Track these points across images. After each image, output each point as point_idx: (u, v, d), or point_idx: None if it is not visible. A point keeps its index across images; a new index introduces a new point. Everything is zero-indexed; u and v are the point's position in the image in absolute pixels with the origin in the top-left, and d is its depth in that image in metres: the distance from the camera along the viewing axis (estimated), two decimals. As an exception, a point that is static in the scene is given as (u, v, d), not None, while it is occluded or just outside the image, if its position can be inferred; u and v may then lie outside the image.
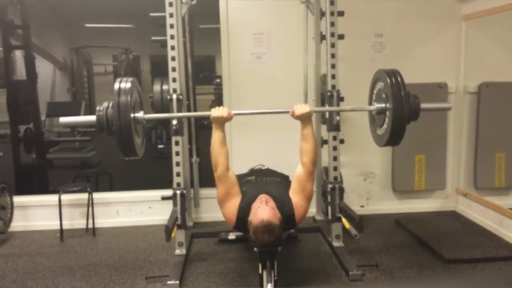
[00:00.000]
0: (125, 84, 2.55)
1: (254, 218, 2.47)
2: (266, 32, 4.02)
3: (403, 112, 2.54)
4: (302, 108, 2.67)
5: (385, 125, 2.70)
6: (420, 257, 3.30)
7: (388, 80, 2.59)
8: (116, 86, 2.54)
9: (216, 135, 2.67)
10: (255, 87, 4.08)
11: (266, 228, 2.42)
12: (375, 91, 2.82)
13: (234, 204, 2.65)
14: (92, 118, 2.57)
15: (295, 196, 2.68)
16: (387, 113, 2.65)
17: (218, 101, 5.67)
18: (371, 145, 4.18)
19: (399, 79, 2.58)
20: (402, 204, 4.31)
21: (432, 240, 3.48)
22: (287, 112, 2.74)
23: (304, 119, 2.69)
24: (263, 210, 2.47)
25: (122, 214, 4.14)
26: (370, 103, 2.87)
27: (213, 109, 2.66)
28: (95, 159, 6.68)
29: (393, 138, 2.65)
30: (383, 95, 2.68)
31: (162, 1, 3.17)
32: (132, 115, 2.52)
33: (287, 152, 3.83)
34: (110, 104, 2.51)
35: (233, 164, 4.01)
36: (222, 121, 2.67)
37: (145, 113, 2.70)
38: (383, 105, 2.67)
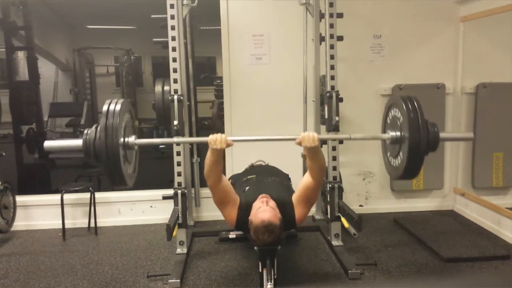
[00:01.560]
0: (115, 105, 2.26)
1: (255, 218, 2.48)
2: (266, 34, 4.06)
3: (420, 142, 2.29)
4: (309, 141, 2.44)
5: (400, 156, 2.44)
6: (418, 256, 3.32)
7: (404, 107, 2.35)
8: (105, 107, 2.25)
9: (211, 158, 2.50)
10: (255, 88, 4.11)
11: (266, 229, 2.43)
12: (389, 118, 2.58)
13: (232, 208, 2.66)
14: (78, 142, 2.28)
15: (299, 204, 2.67)
16: (403, 143, 2.39)
17: (218, 102, 5.69)
18: (370, 145, 4.26)
19: (416, 105, 2.35)
20: (401, 204, 4.35)
21: (430, 239, 3.51)
22: (293, 139, 2.53)
23: (311, 148, 2.49)
24: (264, 211, 2.48)
25: (124, 213, 4.17)
26: (384, 131, 2.62)
27: (211, 136, 2.45)
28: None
29: (410, 171, 2.40)
30: (398, 123, 2.44)
31: (164, 3, 3.20)
32: (122, 140, 2.26)
33: (287, 151, 3.89)
34: (98, 128, 2.23)
35: (233, 163, 4.08)
36: (219, 150, 2.46)
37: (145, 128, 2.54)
38: (398, 133, 2.42)
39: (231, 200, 2.66)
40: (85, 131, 2.26)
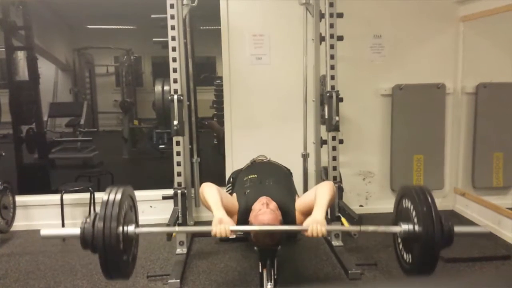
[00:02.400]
0: (115, 195, 2.17)
1: (255, 221, 2.46)
2: (266, 34, 4.06)
3: (435, 239, 2.16)
4: (317, 234, 2.35)
5: (413, 252, 2.31)
6: (418, 256, 3.32)
7: (417, 200, 2.25)
8: (105, 197, 2.16)
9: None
10: (255, 88, 4.11)
11: (267, 232, 2.42)
12: (400, 209, 2.45)
13: (231, 215, 2.64)
14: (76, 231, 2.17)
15: (301, 214, 2.65)
16: (416, 238, 2.26)
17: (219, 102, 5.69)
18: (370, 145, 4.26)
19: (429, 199, 2.24)
20: (401, 204, 4.33)
21: (430, 239, 3.50)
22: (298, 230, 2.52)
23: None
24: (264, 213, 2.46)
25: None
26: (395, 222, 2.46)
27: (214, 224, 2.37)
28: (97, 159, 6.71)
29: (425, 268, 2.24)
30: (410, 216, 2.32)
31: (164, 3, 3.20)
32: (120, 229, 2.15)
33: (288, 150, 3.89)
34: (97, 217, 2.12)
35: (234, 161, 4.07)
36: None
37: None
38: (411, 227, 2.28)
39: (229, 209, 2.65)
40: (83, 220, 2.17)
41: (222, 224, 2.35)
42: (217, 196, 2.54)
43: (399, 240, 2.43)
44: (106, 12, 7.70)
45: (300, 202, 2.69)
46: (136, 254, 2.41)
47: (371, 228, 2.45)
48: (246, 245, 3.41)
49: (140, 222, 4.05)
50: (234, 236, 3.57)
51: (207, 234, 2.39)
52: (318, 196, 2.55)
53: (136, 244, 2.39)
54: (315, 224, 2.34)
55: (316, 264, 3.22)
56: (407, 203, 2.35)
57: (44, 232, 2.26)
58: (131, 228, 2.23)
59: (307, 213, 2.64)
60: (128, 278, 2.28)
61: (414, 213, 2.27)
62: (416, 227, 2.23)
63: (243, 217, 2.62)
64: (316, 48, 3.64)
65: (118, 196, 2.16)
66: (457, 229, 2.22)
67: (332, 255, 3.34)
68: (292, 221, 2.63)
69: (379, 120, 4.23)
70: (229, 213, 2.64)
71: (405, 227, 2.30)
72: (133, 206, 2.39)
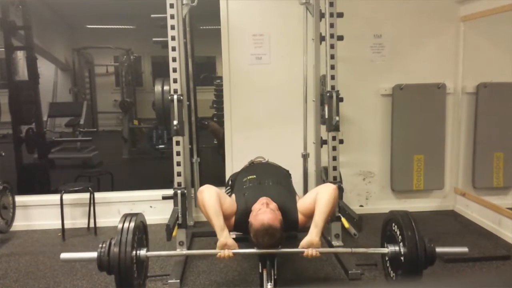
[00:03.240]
0: (129, 223, 2.48)
1: (255, 221, 2.46)
2: (266, 33, 4.05)
3: (418, 259, 2.44)
4: (311, 252, 2.54)
5: (399, 270, 2.59)
6: (419, 256, 3.32)
7: (402, 223, 2.52)
8: (120, 225, 2.47)
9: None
10: (255, 88, 4.10)
11: (266, 232, 2.42)
12: (388, 232, 2.73)
13: (229, 216, 2.68)
14: (93, 255, 2.47)
15: (303, 217, 2.68)
16: (402, 258, 2.53)
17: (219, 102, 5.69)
18: (370, 145, 4.26)
19: (412, 223, 2.51)
20: (401, 204, 4.33)
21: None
22: (299, 252, 2.59)
23: None
24: (264, 213, 2.46)
25: (124, 213, 4.15)
26: (383, 245, 2.75)
27: (219, 247, 2.54)
28: (97, 159, 6.71)
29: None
30: (397, 238, 2.59)
31: (163, 2, 3.20)
32: (133, 253, 2.44)
33: (287, 150, 3.89)
34: (113, 242, 2.43)
35: (233, 162, 4.07)
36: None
37: None
38: (397, 248, 2.56)
39: (228, 212, 2.67)
40: (100, 245, 2.47)
41: (227, 250, 2.52)
42: (217, 206, 2.58)
43: (387, 259, 2.72)
44: (105, 12, 7.69)
45: (301, 204, 2.70)
46: (147, 274, 2.71)
47: (361, 250, 2.88)
48: (246, 245, 3.40)
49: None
50: (234, 236, 3.58)
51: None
52: (318, 207, 2.60)
53: (146, 265, 2.69)
54: (310, 250, 2.53)
55: (316, 264, 3.21)
56: (394, 227, 2.63)
57: (64, 256, 2.61)
58: (143, 252, 2.55)
59: (308, 214, 2.65)
60: None
61: (400, 237, 2.55)
62: (402, 249, 2.51)
63: (241, 218, 2.62)
64: (316, 48, 3.63)
65: (132, 224, 2.47)
66: (439, 250, 2.51)
67: (332, 255, 3.33)
68: (294, 221, 2.64)
69: (379, 120, 4.23)
70: (228, 215, 2.64)
71: (392, 248, 2.59)
72: (144, 232, 2.67)
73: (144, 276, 2.63)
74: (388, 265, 2.73)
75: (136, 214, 2.56)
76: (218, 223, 2.55)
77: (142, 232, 2.62)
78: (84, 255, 2.60)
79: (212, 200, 2.58)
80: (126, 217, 2.52)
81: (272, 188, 2.79)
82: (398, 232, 2.58)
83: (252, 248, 2.58)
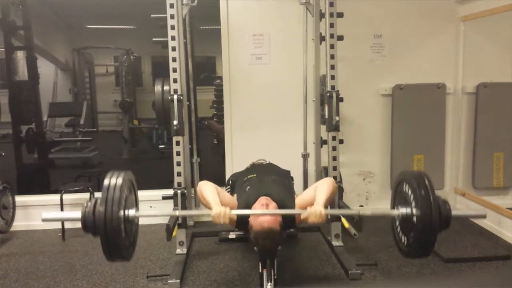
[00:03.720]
0: (116, 179, 2.21)
1: (255, 223, 2.46)
2: (266, 33, 4.05)
3: (432, 222, 2.21)
4: (316, 217, 2.41)
5: (411, 234, 2.34)
6: (419, 256, 3.32)
7: (415, 183, 2.28)
8: (106, 181, 2.20)
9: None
10: (255, 88, 4.10)
11: (267, 235, 2.42)
12: (398, 193, 2.48)
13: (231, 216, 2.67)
14: (77, 215, 2.20)
15: (300, 209, 2.64)
16: (414, 221, 2.29)
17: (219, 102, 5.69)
18: (370, 145, 4.26)
19: (427, 183, 2.27)
20: (401, 204, 4.33)
21: (430, 239, 3.50)
22: (298, 214, 2.52)
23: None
24: (264, 216, 2.45)
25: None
26: (394, 206, 2.51)
27: (214, 211, 2.42)
28: (97, 159, 6.71)
29: (421, 251, 2.32)
30: (408, 199, 2.35)
31: (163, 2, 3.20)
32: (122, 213, 2.19)
33: (288, 150, 3.89)
34: (98, 201, 2.16)
35: (233, 162, 4.07)
36: (219, 223, 2.46)
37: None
38: (408, 210, 2.32)
39: (228, 206, 2.64)
40: (85, 204, 2.20)
41: (222, 208, 2.41)
42: (215, 192, 2.57)
43: (397, 223, 2.47)
44: (105, 12, 7.69)
45: (300, 199, 2.69)
46: (137, 237, 2.45)
47: (368, 211, 2.59)
48: (246, 245, 3.41)
49: (140, 222, 4.07)
50: (234, 236, 3.59)
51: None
52: (318, 192, 2.57)
53: (136, 227, 2.44)
54: (313, 208, 2.41)
55: (316, 264, 3.22)
56: (405, 187, 2.38)
57: (45, 215, 2.28)
58: (132, 212, 2.28)
59: (308, 205, 2.63)
60: (129, 260, 2.31)
61: (412, 197, 2.30)
62: (414, 211, 2.27)
63: (242, 215, 2.61)
64: (316, 48, 3.64)
65: (119, 181, 2.20)
66: (455, 212, 2.30)
67: (332, 255, 3.34)
68: (291, 219, 2.63)
69: (379, 120, 4.23)
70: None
71: (403, 210, 2.34)
72: (133, 191, 2.42)
73: (133, 240, 2.41)
74: (399, 230, 2.48)
75: (123, 171, 2.30)
76: (214, 199, 2.50)
77: (131, 191, 2.38)
78: (67, 214, 2.37)
79: (210, 188, 2.60)
80: (113, 173, 2.24)
81: (272, 185, 2.79)
82: (410, 193, 2.33)
83: (253, 247, 2.58)
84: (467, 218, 2.53)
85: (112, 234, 2.12)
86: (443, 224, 2.26)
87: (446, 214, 2.25)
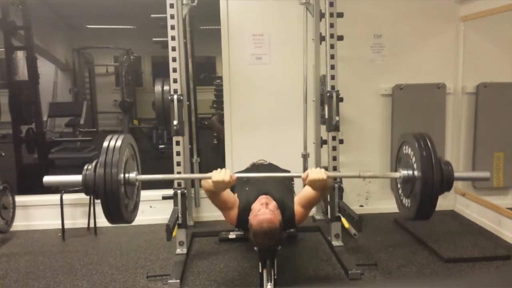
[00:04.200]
0: (115, 142, 2.22)
1: (254, 222, 2.45)
2: (266, 33, 4.05)
3: (433, 182, 2.18)
4: (317, 173, 2.35)
5: (412, 196, 2.34)
6: (419, 256, 3.32)
7: (416, 145, 2.27)
8: (105, 144, 2.22)
9: (213, 193, 2.49)
10: (255, 88, 4.10)
11: (265, 234, 2.41)
12: (400, 156, 2.49)
13: (232, 211, 2.66)
14: (78, 178, 2.23)
15: (300, 207, 2.65)
16: (415, 182, 2.29)
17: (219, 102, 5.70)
18: (370, 145, 4.26)
19: (429, 144, 2.26)
20: (401, 204, 4.34)
21: (430, 239, 3.50)
22: (299, 176, 2.45)
23: (318, 187, 2.44)
24: (263, 215, 2.45)
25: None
26: (396, 169, 2.51)
27: (214, 172, 2.37)
28: (97, 159, 6.70)
29: (423, 212, 2.29)
30: (410, 161, 2.34)
31: (163, 2, 3.20)
32: (122, 176, 2.21)
33: (288, 151, 3.89)
34: (98, 164, 2.19)
35: (234, 162, 4.07)
36: (223, 187, 2.40)
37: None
38: (410, 172, 2.32)
39: (230, 205, 2.66)
40: (86, 167, 2.23)
41: (224, 170, 2.36)
42: None
43: (399, 186, 2.46)
44: (105, 12, 7.70)
45: (299, 196, 2.69)
46: (138, 201, 2.47)
47: (369, 173, 2.53)
48: (246, 245, 3.41)
49: (140, 222, 4.10)
50: (234, 236, 3.59)
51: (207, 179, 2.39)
52: None
53: (138, 192, 2.46)
54: (313, 168, 2.38)
55: (316, 264, 3.22)
56: (407, 150, 2.37)
57: (46, 179, 2.30)
58: (132, 175, 2.30)
59: (307, 205, 2.64)
60: (130, 222, 2.34)
61: (413, 159, 2.28)
62: (416, 172, 2.25)
63: (244, 212, 2.61)
64: (316, 48, 3.64)
65: (118, 143, 2.21)
66: (457, 174, 2.25)
67: (332, 255, 3.34)
68: (291, 217, 2.63)
69: (379, 120, 4.23)
70: (230, 204, 2.64)
71: (404, 172, 2.33)
72: (135, 155, 2.43)
73: (135, 203, 2.43)
74: (400, 192, 2.49)
75: (123, 134, 2.32)
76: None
77: (132, 155, 2.39)
78: (68, 178, 2.36)
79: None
80: (112, 136, 2.26)
81: (272, 185, 2.80)
82: (412, 155, 2.32)
83: (253, 247, 2.58)
84: (468, 175, 2.46)
85: (112, 197, 2.13)
86: (445, 186, 2.22)
87: (448, 175, 2.21)
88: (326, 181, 2.37)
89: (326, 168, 3.54)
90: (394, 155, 2.51)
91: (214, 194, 2.52)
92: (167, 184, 3.69)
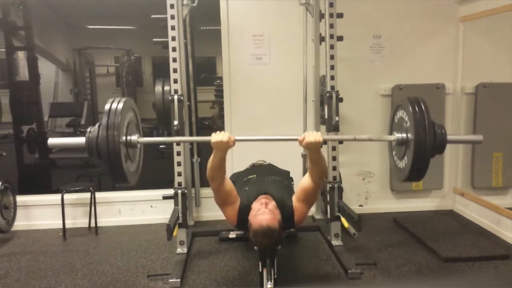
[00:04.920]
0: (117, 104, 2.29)
1: (254, 221, 2.47)
2: (266, 34, 4.07)
3: (426, 144, 2.26)
4: (313, 136, 2.42)
5: (406, 158, 2.42)
6: (418, 255, 3.34)
7: (411, 109, 2.32)
8: (107, 106, 2.29)
9: (215, 160, 2.48)
10: (255, 88, 4.12)
11: (265, 233, 2.42)
12: (396, 119, 2.57)
13: (233, 208, 2.66)
14: (81, 140, 2.32)
15: (298, 203, 2.65)
16: (409, 145, 2.37)
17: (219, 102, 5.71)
18: (369, 145, 4.27)
19: (423, 107, 2.32)
20: (400, 204, 4.36)
21: (429, 239, 3.52)
22: (296, 139, 2.48)
23: (313, 148, 2.47)
24: (263, 214, 2.46)
25: (124, 213, 4.19)
26: (390, 132, 2.60)
27: (213, 134, 2.44)
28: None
29: (415, 173, 2.39)
30: (405, 125, 2.42)
31: (164, 3, 3.21)
32: (124, 138, 2.29)
33: (287, 151, 3.89)
34: (100, 127, 2.26)
35: (234, 163, 4.08)
36: (222, 147, 2.42)
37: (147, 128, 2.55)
38: (404, 135, 2.41)
39: (232, 200, 2.66)
40: (88, 129, 2.31)
41: (223, 132, 2.42)
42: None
43: (394, 148, 2.55)
44: (106, 12, 7.69)
45: (296, 191, 2.71)
46: (141, 163, 2.57)
47: (364, 136, 2.69)
48: (246, 244, 3.43)
49: (141, 222, 4.12)
50: (234, 236, 3.61)
51: (207, 142, 2.46)
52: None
53: (140, 153, 2.55)
54: (309, 131, 2.46)
55: (316, 264, 3.23)
56: (402, 113, 2.45)
57: (51, 141, 2.42)
58: (134, 138, 2.38)
59: (305, 198, 2.65)
60: (134, 183, 2.43)
61: (408, 122, 2.36)
62: (409, 135, 2.33)
63: (244, 210, 2.62)
64: (316, 48, 3.65)
65: (120, 106, 2.28)
66: (450, 137, 2.33)
67: (332, 254, 3.35)
68: (290, 215, 2.64)
69: (379, 120, 4.23)
70: (233, 197, 2.66)
71: (398, 135, 2.43)
72: (136, 118, 2.51)
73: (137, 165, 2.50)
74: (394, 154, 2.57)
75: (124, 97, 2.39)
76: None
77: (133, 119, 2.47)
78: (72, 140, 2.46)
79: None
80: (114, 99, 2.33)
81: (272, 185, 2.81)
82: (406, 118, 2.39)
83: (253, 247, 2.59)
84: (461, 138, 2.56)
85: (115, 157, 2.22)
86: (437, 148, 2.30)
87: (441, 138, 2.29)
88: (321, 143, 2.43)
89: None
90: (390, 118, 2.62)
91: (219, 166, 2.50)
92: (168, 184, 3.71)
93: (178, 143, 3.28)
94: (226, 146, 2.41)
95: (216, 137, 2.40)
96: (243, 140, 2.65)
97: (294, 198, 2.69)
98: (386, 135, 2.60)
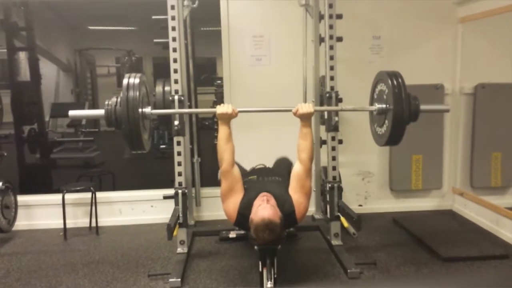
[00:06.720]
0: (134, 79, 2.60)
1: (255, 216, 2.48)
2: (266, 35, 4.08)
3: (403, 113, 2.59)
4: (306, 108, 2.72)
5: (385, 126, 2.76)
6: (417, 255, 3.35)
7: (390, 82, 2.64)
8: (125, 81, 2.58)
9: (222, 132, 2.72)
10: (255, 89, 4.12)
11: (267, 227, 2.43)
12: (376, 92, 2.88)
13: (236, 200, 2.67)
14: (100, 112, 2.62)
15: (295, 194, 2.68)
16: (388, 114, 2.70)
17: (219, 102, 5.72)
18: (369, 145, 4.24)
19: (400, 80, 2.64)
20: (400, 203, 4.37)
21: (429, 238, 3.52)
22: (290, 110, 2.75)
23: (306, 118, 2.75)
24: (264, 209, 2.48)
25: (125, 213, 4.20)
26: (371, 104, 2.92)
27: (218, 106, 2.74)
28: (98, 159, 6.73)
29: (393, 138, 2.72)
30: (384, 96, 2.74)
31: (164, 4, 3.23)
32: (140, 110, 2.59)
33: (287, 151, 3.90)
34: (119, 99, 2.56)
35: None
36: (227, 118, 2.72)
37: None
38: (383, 105, 2.74)
39: (239, 189, 2.69)
40: (107, 102, 2.61)
41: (226, 104, 2.74)
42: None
43: (374, 117, 2.91)
44: (107, 13, 7.71)
45: (291, 181, 2.76)
46: (151, 133, 2.92)
47: (349, 107, 3.08)
48: (246, 244, 3.44)
49: (141, 222, 4.13)
50: (234, 236, 3.62)
51: (210, 116, 2.77)
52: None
53: (151, 123, 2.89)
54: (302, 103, 2.75)
55: (316, 263, 3.24)
56: (381, 86, 2.79)
57: (72, 112, 2.73)
58: (147, 110, 2.72)
59: (302, 189, 2.70)
60: (147, 150, 2.77)
61: (386, 94, 2.71)
62: (389, 105, 2.68)
63: (245, 205, 2.63)
64: (315, 49, 3.66)
65: (137, 81, 2.61)
66: (423, 107, 2.68)
67: (332, 254, 3.36)
68: (291, 210, 2.65)
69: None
70: (238, 185, 2.70)
71: (379, 106, 2.78)
72: (147, 92, 2.81)
73: (149, 134, 2.82)
74: (375, 122, 2.91)
75: (139, 73, 2.67)
76: None
77: (145, 92, 2.73)
78: (92, 112, 2.83)
79: None
80: (130, 75, 2.63)
81: (272, 184, 2.82)
82: (385, 91, 2.72)
83: (253, 246, 2.60)
84: (431, 107, 3.04)
85: (134, 128, 2.55)
86: (412, 116, 2.66)
87: (415, 108, 2.65)
88: (313, 113, 2.74)
89: (325, 168, 3.59)
90: (371, 91, 2.96)
91: (226, 139, 2.71)
92: (168, 184, 3.73)
93: (182, 135, 3.32)
94: (230, 117, 2.72)
95: (221, 108, 2.71)
96: (245, 111, 3.01)
97: (290, 191, 2.71)
98: (368, 106, 2.93)
